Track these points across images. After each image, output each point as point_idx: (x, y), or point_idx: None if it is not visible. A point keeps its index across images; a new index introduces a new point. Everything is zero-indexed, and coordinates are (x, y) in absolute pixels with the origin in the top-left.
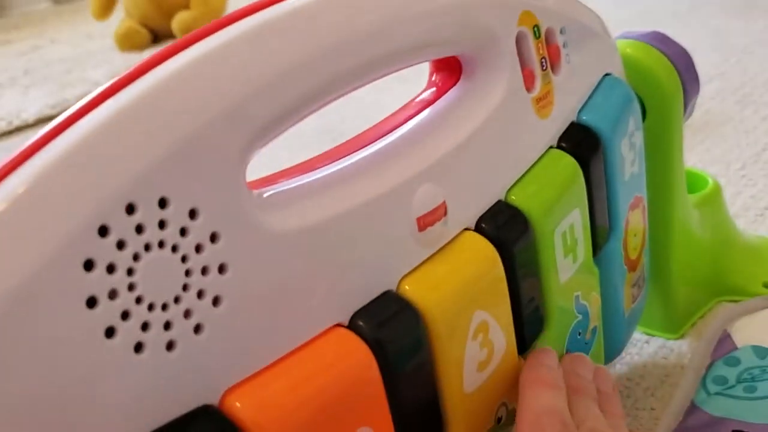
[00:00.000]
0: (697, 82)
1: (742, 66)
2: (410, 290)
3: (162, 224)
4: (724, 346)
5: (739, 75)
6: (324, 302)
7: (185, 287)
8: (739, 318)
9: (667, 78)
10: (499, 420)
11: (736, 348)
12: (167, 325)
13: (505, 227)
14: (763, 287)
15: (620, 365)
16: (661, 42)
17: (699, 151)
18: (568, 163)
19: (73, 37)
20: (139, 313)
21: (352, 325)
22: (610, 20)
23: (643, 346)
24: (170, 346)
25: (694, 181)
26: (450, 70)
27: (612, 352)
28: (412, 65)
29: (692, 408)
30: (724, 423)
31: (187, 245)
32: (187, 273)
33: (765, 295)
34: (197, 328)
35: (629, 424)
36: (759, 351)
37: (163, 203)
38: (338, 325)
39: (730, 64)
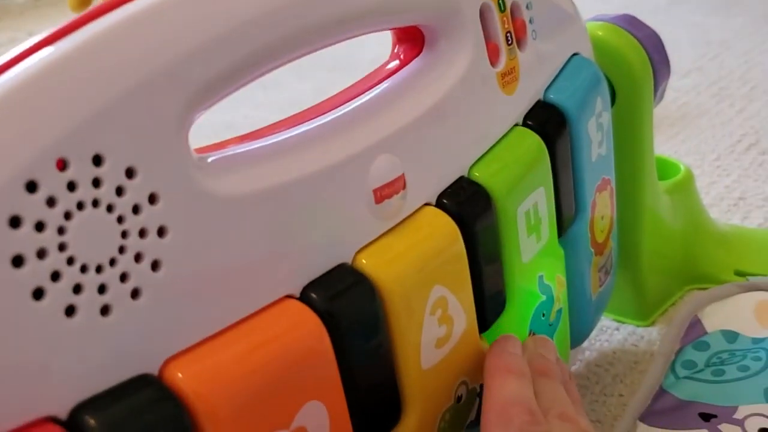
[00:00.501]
0: (667, 65)
1: (719, 61)
2: (366, 263)
3: (96, 182)
4: (694, 332)
5: (716, 69)
6: (273, 272)
7: (122, 249)
8: (710, 304)
9: (637, 60)
10: (459, 399)
11: (705, 333)
12: (102, 289)
13: (467, 203)
14: (735, 275)
15: (589, 352)
16: (632, 25)
17: (675, 142)
18: (533, 141)
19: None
20: (71, 275)
21: (303, 297)
22: (592, 14)
23: (613, 333)
24: (105, 310)
25: (667, 169)
26: (412, 41)
27: (578, 335)
28: (370, 32)
29: (660, 392)
30: (690, 406)
31: (123, 205)
32: (124, 234)
33: (736, 281)
34: (135, 293)
35: (597, 411)
36: (728, 335)
37: (97, 160)
38: (289, 296)
39: (707, 59)
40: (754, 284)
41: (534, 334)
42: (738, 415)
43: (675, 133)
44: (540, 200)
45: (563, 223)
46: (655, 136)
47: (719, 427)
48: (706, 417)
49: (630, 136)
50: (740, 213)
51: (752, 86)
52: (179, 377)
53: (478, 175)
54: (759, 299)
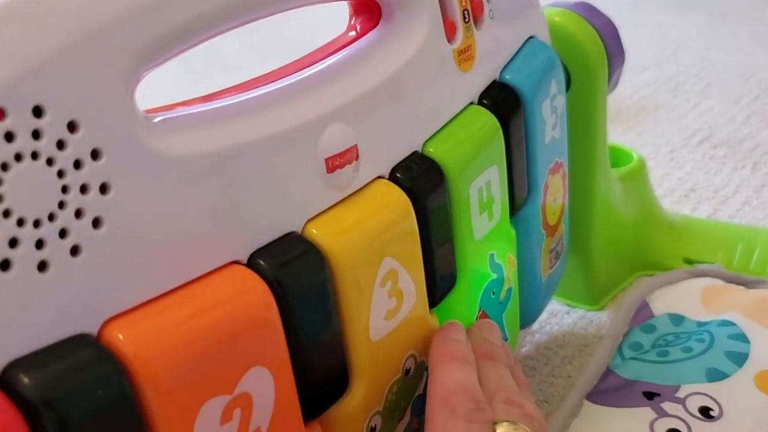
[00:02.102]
0: (622, 54)
1: (676, 58)
2: (316, 233)
3: (36, 134)
4: (641, 315)
5: (673, 66)
6: (220, 237)
7: (61, 204)
8: (658, 289)
9: (592, 47)
10: (407, 371)
11: (653, 316)
12: (39, 244)
13: (420, 178)
14: (684, 263)
15: (540, 334)
16: (588, 12)
17: (631, 135)
18: (487, 119)
19: None
20: (7, 228)
21: (251, 264)
22: (550, 1)
23: (564, 317)
24: (42, 266)
25: (620, 157)
26: (369, 13)
27: (528, 316)
28: (327, 2)
29: (607, 372)
30: (635, 385)
31: (64, 159)
32: (64, 189)
33: (684, 267)
34: (74, 250)
35: (545, 391)
36: (674, 319)
37: (38, 111)
38: (236, 262)
39: (665, 56)
40: (701, 271)
41: (484, 312)
42: (680, 394)
43: (631, 126)
44: (493, 179)
45: (516, 203)
46: (611, 129)
47: (662, 405)
48: (650, 395)
49: (584, 123)
50: (690, 204)
51: (707, 83)
52: (119, 338)
53: (431, 151)
54: (705, 285)
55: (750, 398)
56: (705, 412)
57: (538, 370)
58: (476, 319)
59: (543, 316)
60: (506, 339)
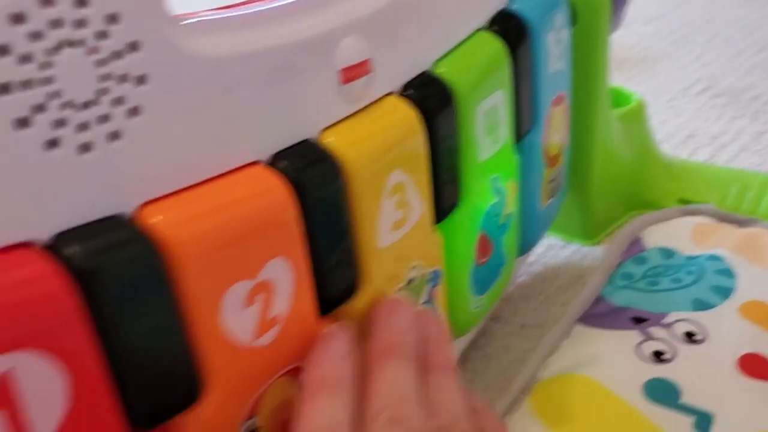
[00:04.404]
0: None
1: (682, 10)
2: (331, 142)
3: (81, 23)
4: (634, 248)
5: (678, 18)
6: (245, 136)
7: (103, 91)
8: (651, 225)
9: None
10: (410, 281)
11: (644, 249)
12: (83, 127)
13: (430, 96)
14: (678, 203)
15: (536, 265)
16: None
17: (632, 83)
18: (495, 45)
19: None
20: (54, 109)
21: (271, 165)
22: None
23: (560, 250)
24: (85, 148)
25: (620, 98)
26: None
27: (525, 243)
28: None
29: (598, 299)
30: (625, 311)
31: (106, 49)
32: (106, 77)
33: (677, 206)
34: (114, 135)
35: (539, 317)
36: (665, 252)
37: (82, 2)
38: (258, 162)
39: (671, 8)
40: (694, 209)
41: (485, 233)
42: (667, 320)
43: (633, 75)
44: (499, 103)
45: (519, 130)
46: (613, 78)
47: (648, 329)
48: (638, 320)
49: (586, 59)
50: (688, 149)
51: (712, 35)
52: (153, 222)
53: (441, 71)
54: (697, 222)
55: (734, 324)
56: (690, 336)
57: (533, 297)
58: (477, 241)
59: (540, 249)
60: (503, 265)
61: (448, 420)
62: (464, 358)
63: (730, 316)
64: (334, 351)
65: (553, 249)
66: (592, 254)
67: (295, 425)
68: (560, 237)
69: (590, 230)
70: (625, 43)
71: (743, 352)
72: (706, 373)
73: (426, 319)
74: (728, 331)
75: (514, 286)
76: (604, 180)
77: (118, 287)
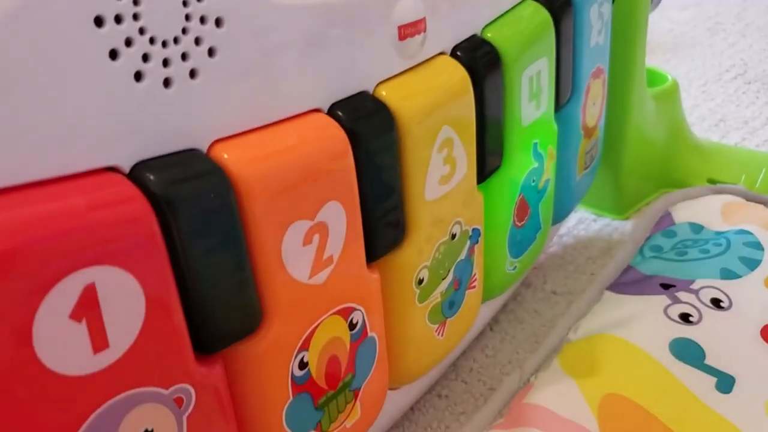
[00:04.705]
0: None
1: None
2: (386, 95)
3: None
4: (663, 222)
5: (714, 5)
6: (309, 83)
7: (185, 30)
8: (681, 201)
9: None
10: (453, 236)
11: (674, 224)
12: (166, 62)
13: (479, 58)
14: (708, 183)
15: (567, 237)
16: None
17: (665, 68)
18: (541, 14)
19: None
20: (142, 44)
21: (331, 113)
22: None
23: (591, 224)
24: (167, 82)
25: (654, 78)
26: None
27: (560, 210)
28: None
29: (627, 269)
30: (653, 279)
31: None
32: (187, 17)
33: (707, 185)
34: (192, 73)
35: (569, 285)
36: (694, 227)
37: None
38: (318, 110)
39: None
40: (723, 188)
41: (523, 197)
42: (694, 286)
43: (666, 60)
44: (543, 70)
45: (560, 99)
46: (647, 62)
47: (676, 294)
48: (666, 286)
49: (625, 37)
50: (719, 132)
51: (747, 23)
52: (224, 157)
53: (490, 36)
54: (726, 201)
55: (759, 296)
56: (716, 302)
57: (563, 267)
58: (516, 204)
59: (571, 222)
60: (539, 230)
61: None
62: (495, 321)
63: (757, 286)
64: None
65: (584, 222)
66: (622, 228)
67: None
68: (591, 211)
69: (621, 205)
70: (659, 29)
71: (766, 323)
72: (730, 339)
73: None
74: (753, 301)
75: (545, 255)
76: (636, 157)
77: (193, 216)
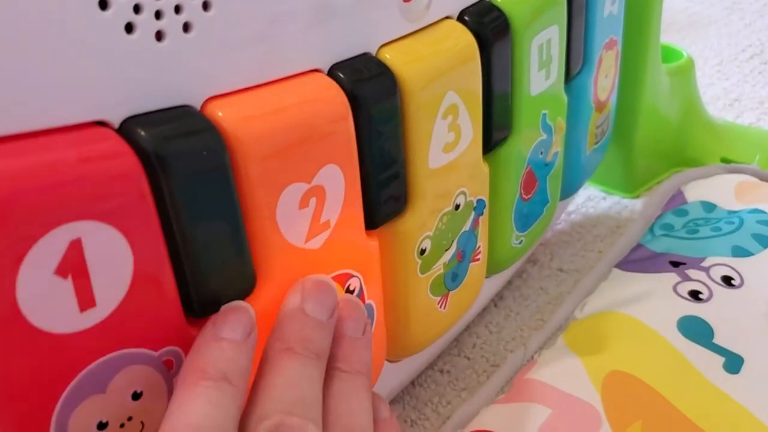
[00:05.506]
0: None
1: None
2: (389, 57)
3: None
4: (675, 201)
5: None
6: (308, 43)
7: None
8: (693, 180)
9: None
10: (457, 207)
11: (686, 202)
12: (158, 15)
13: (487, 24)
14: (721, 162)
15: (575, 215)
16: None
17: (680, 46)
18: None
19: None
20: None
21: (331, 74)
22: None
23: (600, 202)
24: (159, 36)
25: (669, 54)
26: None
27: (568, 186)
28: None
29: (637, 246)
30: (663, 256)
31: None
32: None
33: (720, 164)
34: (186, 27)
35: (576, 262)
36: (707, 206)
37: None
38: (318, 71)
39: None
40: (737, 167)
41: (531, 168)
42: (705, 264)
43: (681, 38)
44: (554, 38)
45: (571, 70)
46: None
47: (686, 272)
48: (676, 264)
49: (639, 10)
50: (734, 112)
51: (765, 2)
52: (219, 115)
53: (499, 1)
54: (739, 180)
55: None
56: (727, 280)
57: (571, 244)
58: (523, 175)
59: (579, 199)
60: (547, 203)
61: None
62: (499, 297)
63: None
64: (229, 330)
65: (593, 200)
66: (632, 206)
67: (165, 418)
68: (601, 188)
69: (631, 183)
70: (674, 7)
71: None
72: (739, 318)
73: (346, 312)
74: (765, 280)
75: (553, 232)
76: (648, 134)
77: (185, 174)
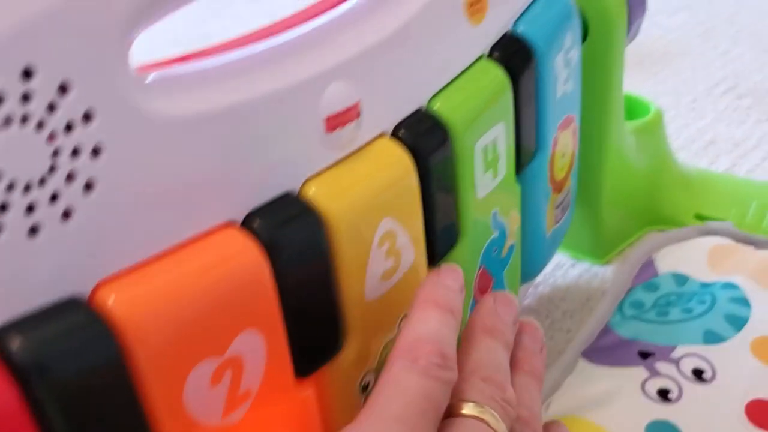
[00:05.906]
0: (643, 3)
1: (709, 1)
2: (314, 193)
3: (26, 97)
4: (646, 272)
5: (705, 9)
6: (215, 197)
7: (52, 168)
8: (665, 246)
9: None
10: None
11: (657, 275)
12: (30, 209)
13: (424, 136)
14: (695, 218)
15: (543, 286)
16: None
17: (654, 81)
18: (497, 74)
19: None
20: None
21: (245, 224)
22: None
23: (569, 270)
24: (33, 231)
25: (636, 108)
26: None
27: (530, 270)
28: None
29: (606, 330)
30: (632, 344)
31: (55, 122)
32: (55, 153)
33: (694, 225)
34: (65, 214)
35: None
36: (678, 278)
37: (27, 73)
38: (231, 223)
39: None
40: (710, 228)
41: (485, 268)
42: (675, 354)
43: (655, 72)
44: (500, 136)
45: (522, 159)
46: (634, 74)
47: (655, 365)
48: (645, 355)
49: (599, 74)
50: (708, 157)
51: (738, 29)
52: (109, 302)
53: (437, 108)
54: (713, 244)
55: (744, 363)
56: (698, 374)
57: (539, 322)
58: (476, 278)
59: (548, 268)
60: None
61: (528, 414)
62: None
63: (742, 353)
64: (451, 279)
65: (561, 268)
66: (602, 274)
67: (402, 329)
68: (569, 254)
69: (601, 247)
70: (649, 37)
71: (751, 398)
72: (711, 418)
73: (525, 328)
74: (738, 371)
75: (520, 309)
76: (616, 194)
77: (69, 379)
